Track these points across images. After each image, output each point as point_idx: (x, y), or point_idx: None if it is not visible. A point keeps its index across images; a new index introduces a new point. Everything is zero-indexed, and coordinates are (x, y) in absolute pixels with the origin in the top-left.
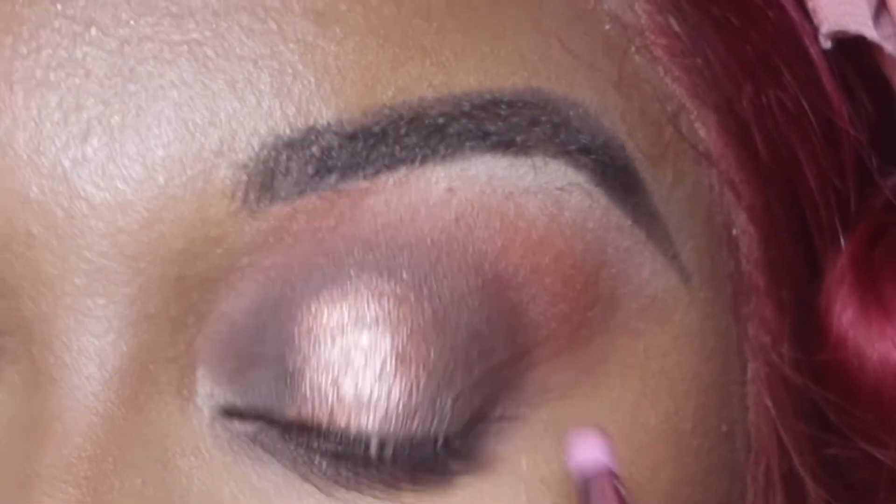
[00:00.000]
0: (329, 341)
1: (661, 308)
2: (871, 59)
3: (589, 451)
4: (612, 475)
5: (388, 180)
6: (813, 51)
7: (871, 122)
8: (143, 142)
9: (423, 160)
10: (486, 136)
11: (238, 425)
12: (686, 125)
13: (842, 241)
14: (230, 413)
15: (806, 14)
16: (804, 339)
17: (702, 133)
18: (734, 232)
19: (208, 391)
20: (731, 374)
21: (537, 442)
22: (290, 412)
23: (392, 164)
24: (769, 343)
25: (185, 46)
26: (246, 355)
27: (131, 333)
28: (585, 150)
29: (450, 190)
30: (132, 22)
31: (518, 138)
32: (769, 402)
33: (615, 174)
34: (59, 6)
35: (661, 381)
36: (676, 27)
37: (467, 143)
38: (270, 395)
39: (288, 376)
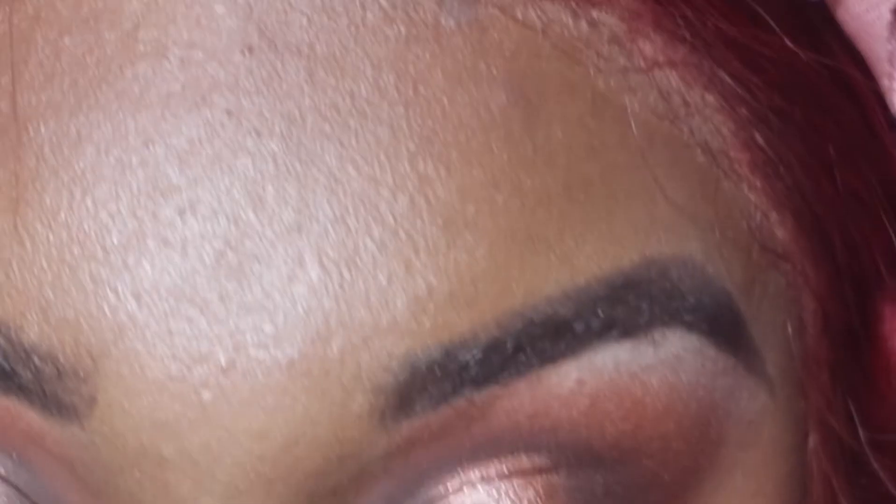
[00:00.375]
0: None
1: (756, 430)
2: None
3: None
4: None
5: (521, 384)
6: (886, 136)
7: None
8: (279, 369)
9: (553, 359)
10: (612, 326)
11: None
12: (768, 233)
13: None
14: None
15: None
16: (860, 402)
17: (780, 234)
18: (804, 316)
19: None
20: (801, 454)
21: None
22: None
23: (526, 369)
24: (825, 406)
25: (319, 277)
26: None
27: None
28: (695, 310)
29: (580, 381)
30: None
31: (640, 321)
32: (830, 468)
33: (723, 323)
34: (187, 215)
35: (757, 501)
36: (760, 140)
37: (595, 338)
38: None
39: None
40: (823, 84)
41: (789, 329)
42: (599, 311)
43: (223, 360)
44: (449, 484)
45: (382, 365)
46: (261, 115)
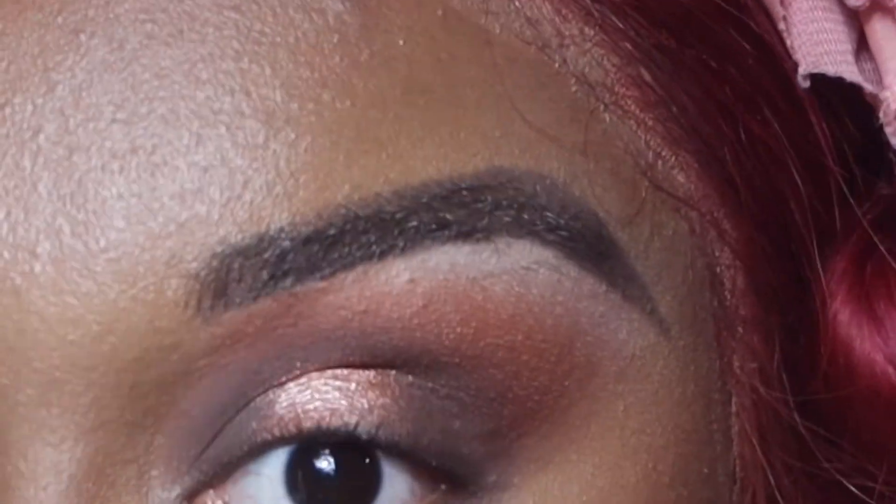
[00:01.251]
0: (295, 403)
1: (640, 365)
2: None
3: None
4: None
5: (346, 278)
6: (796, 83)
7: (854, 139)
8: (91, 256)
9: (382, 256)
10: (446, 226)
11: None
12: (663, 174)
13: (828, 261)
14: (192, 496)
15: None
16: (793, 364)
17: (681, 178)
18: (718, 270)
19: (168, 486)
20: (713, 412)
21: None
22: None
23: (350, 262)
24: (756, 371)
25: (134, 155)
26: (206, 439)
27: (87, 441)
28: (553, 227)
29: (412, 281)
30: (80, 129)
31: (480, 224)
32: (755, 433)
33: (586, 245)
34: (7, 111)
35: (641, 439)
36: (648, 78)
37: (426, 235)
38: (231, 451)
39: (254, 441)
40: (721, 28)
41: (691, 276)
42: (433, 211)
43: (38, 247)
44: (281, 383)
45: (195, 252)
46: (85, 18)
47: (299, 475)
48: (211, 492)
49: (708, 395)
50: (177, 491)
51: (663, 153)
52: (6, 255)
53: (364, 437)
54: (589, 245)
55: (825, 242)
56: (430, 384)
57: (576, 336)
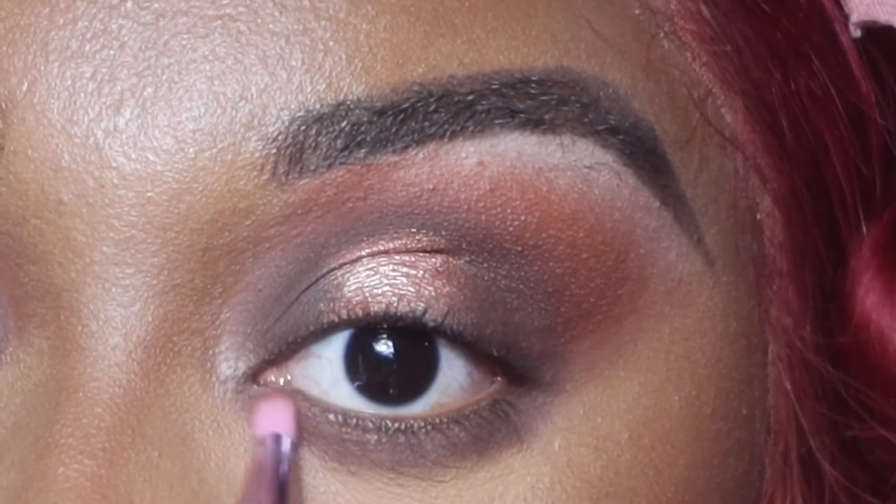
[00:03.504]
0: (363, 287)
1: (686, 292)
2: None
3: (273, 417)
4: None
5: (418, 154)
6: (843, 38)
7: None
8: (174, 114)
9: (453, 136)
10: (514, 113)
11: (264, 392)
12: (712, 110)
13: (865, 226)
14: (256, 373)
15: (837, 1)
16: (826, 322)
17: (728, 118)
18: (758, 216)
19: (232, 362)
20: (752, 356)
21: (574, 424)
22: (322, 323)
23: (421, 139)
24: (791, 325)
25: (219, 21)
26: (272, 316)
27: (157, 304)
28: (614, 131)
29: (480, 164)
30: None
31: (546, 116)
32: (789, 385)
33: (643, 155)
34: None
35: (685, 365)
36: (706, 13)
37: (496, 121)
38: (298, 330)
39: (321, 322)
40: None
41: (734, 216)
42: (503, 98)
43: (122, 106)
44: (347, 257)
45: (274, 116)
46: None
47: (359, 359)
48: (273, 370)
49: (748, 338)
50: (242, 368)
51: (714, 90)
52: (91, 112)
53: (430, 324)
54: (646, 156)
55: (866, 206)
56: (492, 274)
57: (630, 245)
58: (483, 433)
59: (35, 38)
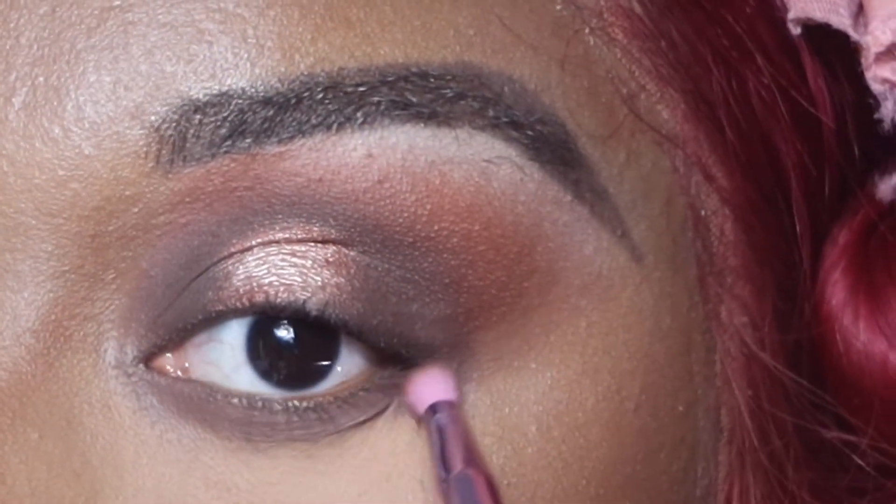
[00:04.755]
0: (251, 276)
1: (607, 286)
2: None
3: (435, 387)
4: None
5: (304, 145)
6: (792, 34)
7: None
8: (61, 103)
9: (340, 127)
10: (407, 106)
11: (159, 379)
12: (645, 107)
13: (829, 227)
14: (148, 361)
15: None
16: (788, 321)
17: (665, 115)
18: (703, 213)
19: (124, 348)
20: (693, 354)
21: (479, 412)
22: (212, 310)
23: (307, 129)
24: (747, 324)
25: (111, 12)
26: (164, 301)
27: (47, 289)
28: (517, 125)
29: (369, 156)
30: None
31: (441, 110)
32: (744, 386)
33: (551, 150)
34: None
35: (604, 360)
36: (639, 10)
37: (387, 112)
38: (188, 317)
39: (211, 289)
40: None
41: (671, 213)
42: (395, 91)
43: (14, 95)
44: (238, 246)
45: (157, 104)
46: None
47: (260, 344)
48: (169, 356)
49: (688, 335)
50: (133, 352)
51: (648, 86)
52: None
53: (313, 313)
54: (554, 151)
55: (824, 207)
56: (385, 265)
57: (537, 239)
58: (386, 406)
59: None
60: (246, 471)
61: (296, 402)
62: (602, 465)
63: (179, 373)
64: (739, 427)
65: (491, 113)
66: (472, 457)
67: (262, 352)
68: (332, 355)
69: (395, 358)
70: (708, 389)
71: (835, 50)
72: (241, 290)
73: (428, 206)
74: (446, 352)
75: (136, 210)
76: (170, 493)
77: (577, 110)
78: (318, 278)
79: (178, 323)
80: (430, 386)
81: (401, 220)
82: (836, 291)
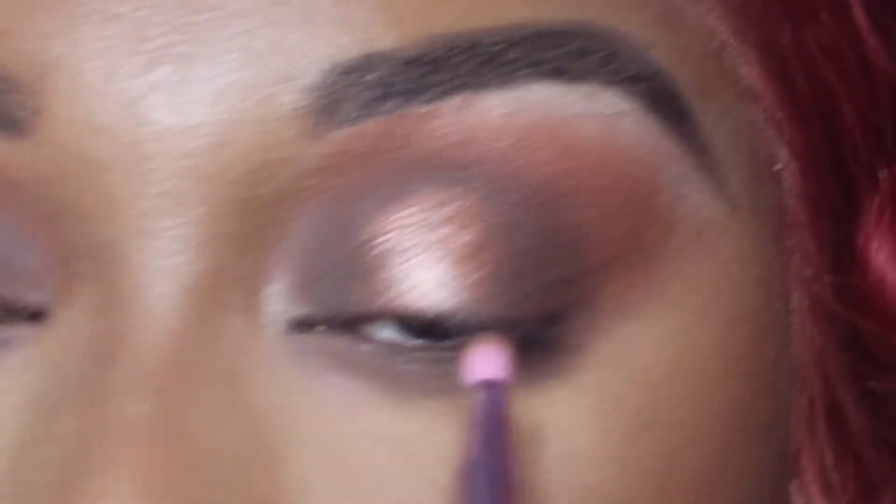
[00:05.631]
0: (398, 245)
1: (711, 236)
2: None
3: (489, 363)
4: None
5: (447, 106)
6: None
7: None
8: (209, 69)
9: (479, 87)
10: (538, 63)
11: (309, 338)
12: (729, 62)
13: (880, 177)
14: (300, 325)
15: None
16: (843, 273)
17: (743, 70)
18: (776, 167)
19: (277, 308)
20: (776, 303)
21: (613, 359)
22: (361, 309)
23: (450, 90)
24: (811, 276)
25: None
26: (314, 269)
27: (201, 253)
28: (636, 80)
29: (507, 115)
30: None
31: (570, 66)
32: (812, 334)
33: (666, 103)
34: None
35: (714, 307)
36: None
37: (521, 71)
38: (340, 301)
39: (358, 279)
40: None
41: (754, 165)
42: (527, 48)
43: (160, 58)
44: (382, 210)
45: (308, 66)
46: None
47: None
48: (322, 326)
49: (771, 284)
50: (290, 314)
51: (729, 41)
52: (126, 70)
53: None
54: (668, 104)
55: (879, 158)
56: (520, 224)
57: (656, 191)
58: (533, 360)
59: (68, 3)
60: (403, 422)
61: (442, 354)
62: (722, 405)
63: (325, 328)
64: (810, 376)
65: (613, 68)
66: (502, 446)
67: None
68: None
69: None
70: (787, 340)
71: (887, 7)
72: (387, 255)
73: (562, 163)
74: (574, 306)
75: (285, 174)
76: (333, 445)
77: (678, 65)
78: (461, 241)
79: (332, 288)
80: (483, 361)
81: (537, 178)
82: (884, 245)
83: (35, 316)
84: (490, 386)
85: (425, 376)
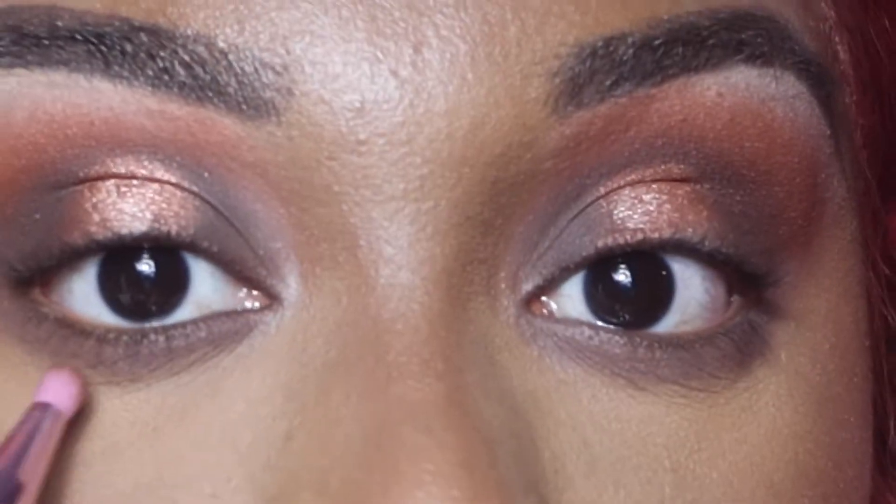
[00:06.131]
0: (627, 213)
1: (842, 214)
2: None
3: (55, 387)
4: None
5: (671, 87)
6: None
7: None
8: (467, 52)
9: (696, 69)
10: (742, 46)
11: (536, 320)
12: (833, 48)
13: None
14: (527, 306)
15: None
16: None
17: (841, 54)
18: (859, 153)
19: (511, 289)
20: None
21: (792, 336)
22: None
23: (675, 72)
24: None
25: None
26: (542, 247)
27: (453, 236)
28: (803, 63)
29: (720, 95)
30: None
31: (764, 50)
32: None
33: (822, 85)
34: None
35: (851, 283)
36: None
37: (728, 53)
38: (570, 269)
39: (590, 252)
40: None
41: (853, 146)
42: (732, 32)
43: (424, 42)
44: (610, 186)
45: (555, 51)
46: None
47: (599, 287)
48: (544, 298)
49: (865, 268)
50: (519, 294)
51: (833, 33)
52: (392, 52)
53: (698, 247)
54: (823, 87)
55: None
56: (728, 200)
57: (818, 169)
58: (743, 345)
59: None
60: (635, 404)
61: (664, 341)
62: (867, 375)
63: (545, 311)
64: (878, 348)
65: (790, 51)
66: (32, 465)
67: (601, 295)
68: (669, 292)
69: (739, 287)
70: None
71: None
72: (629, 227)
73: (764, 142)
74: (766, 281)
75: (529, 156)
76: (580, 426)
77: (817, 48)
78: (691, 214)
79: (558, 264)
80: (51, 384)
81: (745, 157)
82: None
83: (271, 300)
84: (44, 408)
85: (659, 364)
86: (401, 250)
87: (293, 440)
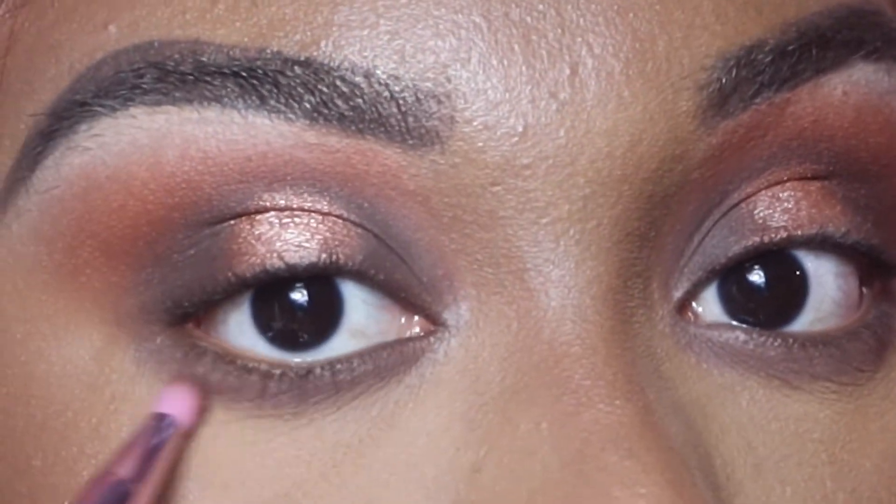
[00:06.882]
0: (766, 213)
1: None
2: None
3: (174, 401)
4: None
5: (804, 90)
6: None
7: None
8: (621, 71)
9: (823, 70)
10: (861, 44)
11: (689, 327)
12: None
13: None
14: (682, 307)
15: None
16: None
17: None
18: None
19: (663, 298)
20: None
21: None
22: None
23: (807, 76)
24: None
25: None
26: (687, 255)
27: (614, 253)
28: None
29: (845, 93)
30: None
31: (879, 45)
32: None
33: None
34: None
35: None
36: None
37: (848, 52)
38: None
39: (733, 255)
40: None
41: None
42: (851, 30)
43: (579, 64)
44: (748, 191)
45: (701, 63)
46: None
47: (733, 289)
48: (693, 304)
49: None
50: (671, 303)
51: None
52: (549, 76)
53: (840, 241)
54: None
55: None
56: (854, 194)
57: None
58: (882, 336)
59: (456, 9)
60: (791, 403)
61: (815, 340)
62: None
63: (692, 316)
64: None
65: (892, 44)
66: (148, 475)
67: (737, 296)
68: (802, 291)
69: (871, 279)
70: None
71: None
72: (772, 226)
73: (883, 138)
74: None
75: (679, 168)
76: (747, 432)
77: None
78: (828, 211)
79: (704, 268)
80: (169, 397)
81: (870, 151)
82: None
83: (435, 327)
84: (162, 418)
85: (814, 363)
86: (569, 272)
87: (481, 472)
